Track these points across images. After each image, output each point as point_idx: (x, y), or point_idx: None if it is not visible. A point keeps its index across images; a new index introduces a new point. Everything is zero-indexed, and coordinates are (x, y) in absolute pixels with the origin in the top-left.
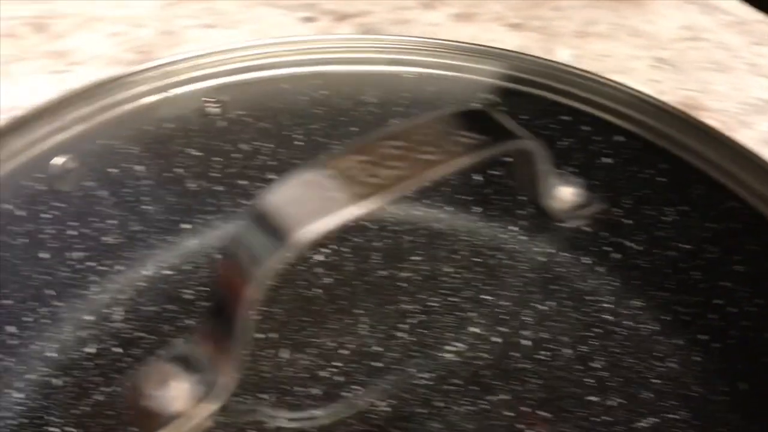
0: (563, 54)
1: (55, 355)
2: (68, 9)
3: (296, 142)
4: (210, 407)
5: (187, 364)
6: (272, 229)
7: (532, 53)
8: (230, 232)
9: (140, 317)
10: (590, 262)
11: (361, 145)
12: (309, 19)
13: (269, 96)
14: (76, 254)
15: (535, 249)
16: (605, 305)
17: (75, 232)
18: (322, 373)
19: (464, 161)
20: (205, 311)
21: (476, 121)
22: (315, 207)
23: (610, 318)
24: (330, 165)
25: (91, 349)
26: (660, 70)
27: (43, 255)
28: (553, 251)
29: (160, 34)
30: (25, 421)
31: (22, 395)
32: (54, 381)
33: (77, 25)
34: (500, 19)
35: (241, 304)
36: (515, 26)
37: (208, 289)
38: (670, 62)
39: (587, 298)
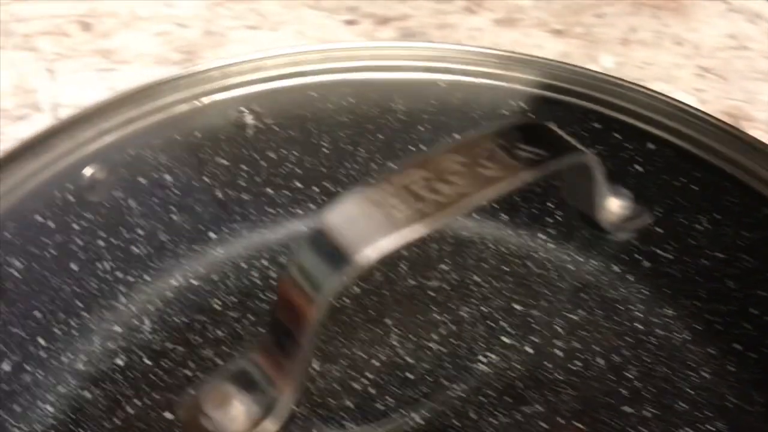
0: (606, 61)
1: (84, 367)
2: (115, 8)
3: (323, 150)
4: (270, 428)
5: (245, 383)
6: (334, 249)
7: (574, 60)
8: (291, 251)
9: (169, 328)
10: (621, 270)
11: (420, 160)
12: (351, 22)
13: (296, 104)
14: (105, 265)
15: (565, 257)
16: (636, 314)
17: (104, 243)
18: (354, 385)
19: (527, 176)
20: (266, 331)
21: (534, 134)
22: (377, 226)
23: (642, 327)
24: (389, 181)
25: (120, 361)
26: (704, 79)
27: (72, 266)
28: (583, 259)
29: (205, 34)
30: None
31: (51, 409)
32: (84, 393)
33: (123, 24)
34: (542, 25)
35: (305, 327)
36: (557, 32)
37: (238, 299)
38: (714, 71)
39: (618, 306)
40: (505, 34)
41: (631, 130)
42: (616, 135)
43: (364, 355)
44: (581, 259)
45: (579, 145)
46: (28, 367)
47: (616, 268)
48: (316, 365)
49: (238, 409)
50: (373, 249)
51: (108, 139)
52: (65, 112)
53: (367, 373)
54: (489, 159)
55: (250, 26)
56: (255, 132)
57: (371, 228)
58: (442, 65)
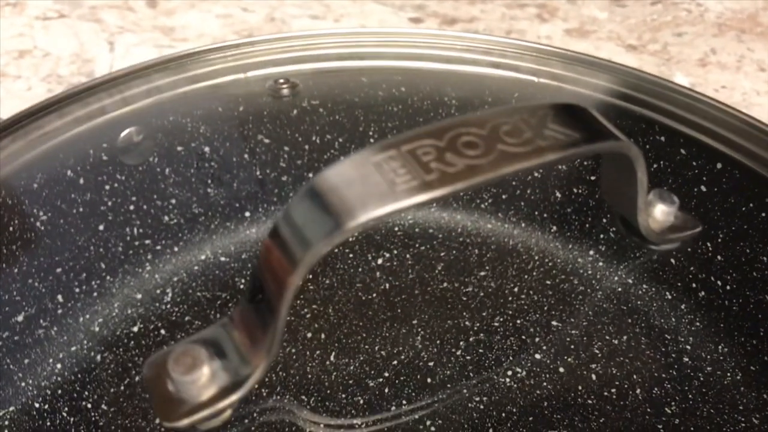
0: (680, 81)
1: (99, 329)
2: None
3: (369, 140)
4: (233, 399)
5: (218, 349)
6: (326, 209)
7: None
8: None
9: (191, 301)
10: (673, 297)
11: (437, 127)
12: (416, 20)
13: (346, 88)
14: (133, 230)
15: (614, 277)
16: (685, 346)
17: (134, 208)
18: (369, 382)
19: (551, 157)
20: (244, 293)
21: (573, 117)
22: (374, 192)
23: (689, 361)
24: (397, 147)
25: (136, 328)
26: None
27: (100, 227)
28: (633, 281)
29: (267, 20)
30: (61, 392)
31: (59, 366)
32: (95, 356)
33: (189, 4)
34: (616, 39)
35: (283, 291)
36: (632, 48)
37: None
38: None
39: (666, 336)
40: (575, 45)
41: (698, 147)
42: (682, 150)
43: (383, 353)
44: (631, 281)
45: (618, 132)
46: (42, 322)
47: (668, 295)
48: (331, 356)
49: (205, 375)
50: (366, 214)
51: (148, 102)
52: None
53: (385, 372)
54: (511, 134)
55: (313, 16)
56: (300, 113)
57: (367, 193)
58: (503, 60)
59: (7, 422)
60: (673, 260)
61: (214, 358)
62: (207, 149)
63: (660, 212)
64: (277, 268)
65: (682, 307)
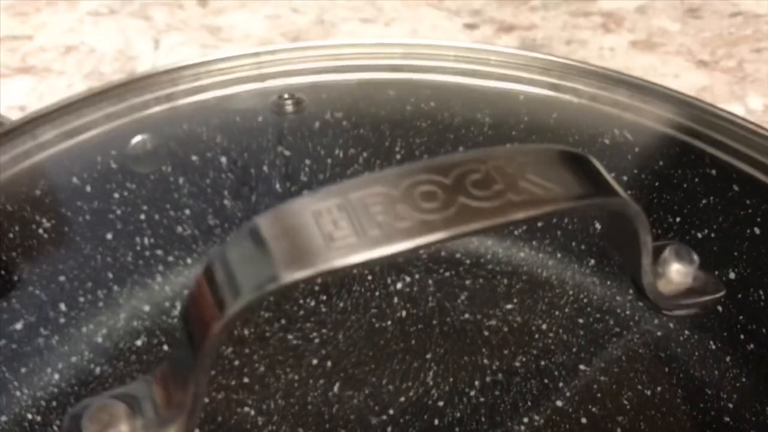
0: (754, 102)
1: (102, 341)
2: None
3: (395, 157)
4: None
5: (138, 404)
6: (268, 255)
7: (715, 96)
8: (223, 244)
9: None
10: (717, 347)
11: (396, 173)
12: (471, 26)
13: (371, 101)
14: (144, 240)
15: (654, 320)
16: (727, 404)
17: (145, 217)
18: (371, 419)
19: (518, 216)
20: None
21: (574, 165)
22: (335, 236)
23: (731, 422)
24: (347, 193)
25: (140, 342)
26: None
27: (108, 236)
28: (675, 327)
29: (316, 22)
30: (56, 404)
31: (58, 377)
32: (95, 368)
33: (240, 3)
34: (686, 54)
35: (206, 340)
36: (703, 64)
37: (275, 300)
38: None
39: (706, 391)
40: (640, 58)
41: (754, 185)
42: (735, 187)
43: (391, 388)
44: (672, 326)
45: (618, 188)
46: (43, 331)
47: (712, 345)
48: (335, 387)
49: None
50: (309, 269)
51: (160, 108)
52: None
53: (390, 410)
54: (478, 185)
55: (363, 19)
56: (323, 125)
57: (325, 239)
58: (544, 79)
59: None
60: (720, 307)
61: (137, 416)
62: (224, 159)
63: (676, 272)
64: (203, 315)
65: (727, 359)
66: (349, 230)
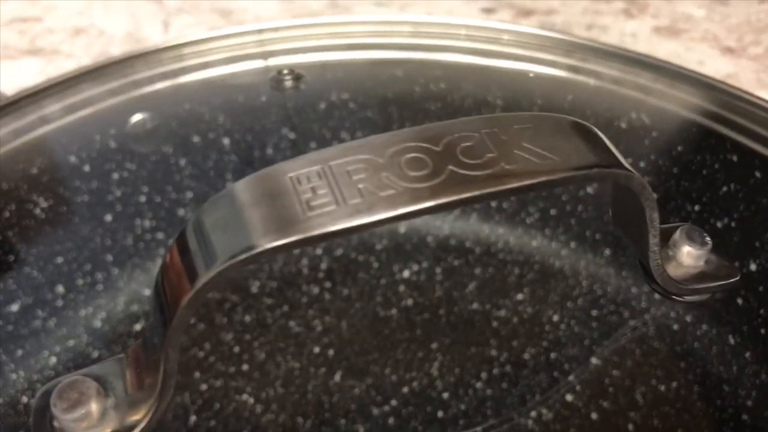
0: None
1: (100, 325)
2: None
3: None
4: None
5: (110, 382)
6: (244, 223)
7: (740, 84)
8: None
9: None
10: (736, 342)
11: (382, 140)
12: (488, 10)
13: (378, 81)
14: (144, 222)
15: (671, 313)
16: (746, 402)
17: (146, 199)
18: (373, 410)
19: (513, 185)
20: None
21: (576, 135)
22: (313, 203)
23: (748, 419)
24: (328, 161)
25: (138, 326)
26: None
27: (106, 217)
28: (692, 320)
29: (329, 5)
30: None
31: (54, 360)
32: (92, 352)
33: None
34: (711, 40)
35: (176, 314)
36: (728, 50)
37: (277, 285)
38: None
39: (724, 388)
40: (663, 45)
41: None
42: (757, 174)
43: (394, 378)
44: (689, 320)
45: (622, 159)
46: (40, 313)
47: (731, 340)
48: (337, 376)
49: (92, 415)
50: (282, 239)
51: (161, 86)
52: None
53: (392, 400)
54: (469, 153)
55: (378, 3)
56: (328, 107)
57: (305, 208)
58: (559, 59)
59: None
60: (740, 300)
61: (108, 395)
62: (226, 141)
63: (687, 255)
64: (175, 288)
65: (747, 355)
66: (329, 198)
